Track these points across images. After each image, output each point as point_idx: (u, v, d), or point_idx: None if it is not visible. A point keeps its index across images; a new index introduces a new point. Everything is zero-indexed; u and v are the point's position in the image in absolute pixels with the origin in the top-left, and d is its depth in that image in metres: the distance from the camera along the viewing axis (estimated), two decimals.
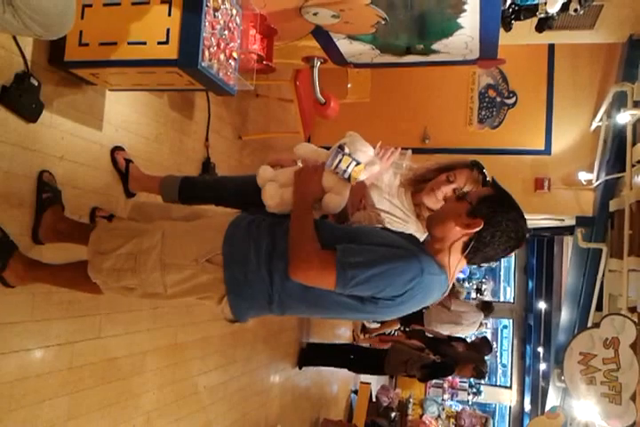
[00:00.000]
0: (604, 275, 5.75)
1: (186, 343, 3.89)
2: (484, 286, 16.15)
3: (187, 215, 2.27)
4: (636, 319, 4.83)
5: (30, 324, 2.53)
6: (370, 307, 1.87)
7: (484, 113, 5.90)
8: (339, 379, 7.83)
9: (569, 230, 7.08)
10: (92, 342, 2.93)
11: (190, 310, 3.89)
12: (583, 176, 5.61)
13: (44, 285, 2.47)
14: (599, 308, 5.87)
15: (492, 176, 2.00)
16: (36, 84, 2.47)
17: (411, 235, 2.06)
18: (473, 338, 8.22)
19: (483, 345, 7.49)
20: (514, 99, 5.88)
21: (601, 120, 5.47)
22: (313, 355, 6.40)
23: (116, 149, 3.05)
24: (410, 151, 2.53)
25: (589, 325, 5.81)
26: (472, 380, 12.28)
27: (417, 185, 2.50)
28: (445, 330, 7.35)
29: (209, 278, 1.97)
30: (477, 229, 1.83)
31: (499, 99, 5.89)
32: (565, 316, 6.94)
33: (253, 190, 2.55)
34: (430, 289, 1.85)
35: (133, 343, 3.28)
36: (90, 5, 2.45)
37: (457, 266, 1.92)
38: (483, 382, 13.42)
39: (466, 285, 15.42)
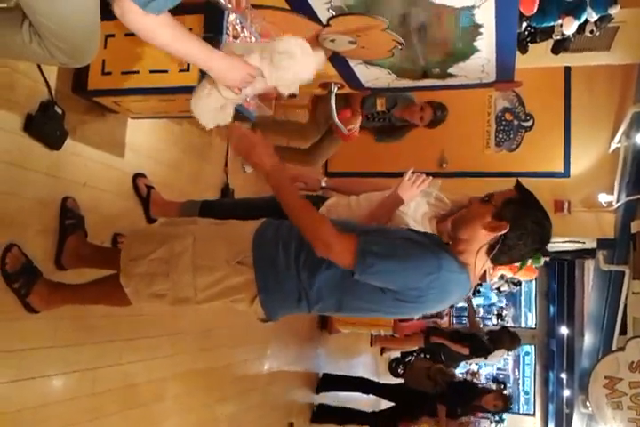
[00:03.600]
0: (627, 298, 5.67)
1: (205, 370, 3.87)
2: (504, 313, 15.98)
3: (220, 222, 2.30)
4: None
5: (52, 350, 2.54)
6: (390, 298, 1.89)
7: (501, 136, 5.90)
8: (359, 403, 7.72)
9: (590, 253, 7.01)
10: (113, 369, 2.92)
11: (209, 335, 3.88)
12: (603, 198, 5.56)
13: (67, 310, 2.48)
14: (623, 332, 5.78)
15: (517, 178, 2.01)
16: (60, 112, 2.52)
17: (434, 235, 2.09)
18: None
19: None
20: (531, 121, 5.87)
21: (620, 141, 5.45)
22: (329, 385, 6.31)
23: (137, 176, 3.09)
24: (440, 181, 2.56)
25: (614, 349, 5.71)
26: None
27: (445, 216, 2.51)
28: None
29: (240, 280, 2.01)
30: (503, 231, 1.87)
31: (516, 122, 5.89)
32: (589, 341, 6.84)
33: (274, 210, 2.57)
34: (449, 287, 1.89)
35: (153, 369, 3.27)
36: (112, 35, 2.50)
37: (481, 267, 1.97)
38: None
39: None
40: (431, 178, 2.46)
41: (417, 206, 2.49)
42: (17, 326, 2.36)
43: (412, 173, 2.40)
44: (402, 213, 2.39)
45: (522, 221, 1.88)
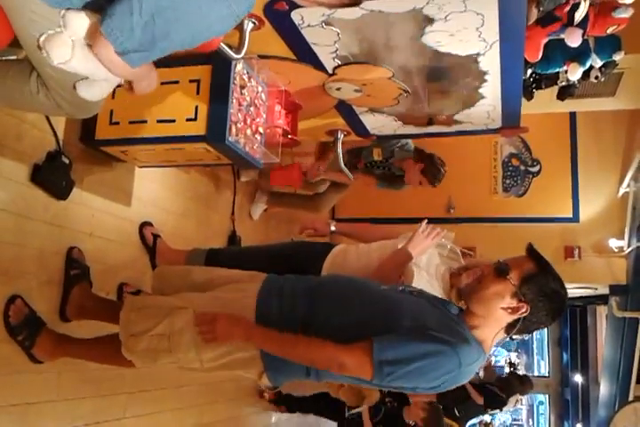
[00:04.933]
0: None
1: (213, 424, 3.77)
2: (516, 361, 15.67)
3: (211, 279, 2.25)
4: None
5: (56, 403, 2.48)
6: (409, 390, 1.92)
7: (508, 182, 5.89)
8: None
9: (602, 300, 6.90)
10: (118, 423, 2.86)
11: (215, 387, 3.79)
12: (614, 243, 5.49)
13: (70, 363, 2.43)
14: None
15: (530, 242, 1.96)
16: (67, 162, 2.53)
17: (445, 305, 1.99)
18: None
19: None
20: (538, 167, 5.87)
21: (628, 186, 5.42)
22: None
23: (144, 225, 3.09)
24: (453, 234, 2.53)
25: (631, 398, 5.54)
26: None
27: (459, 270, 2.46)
28: None
29: (245, 356, 1.96)
30: (524, 315, 1.85)
31: (522, 167, 5.89)
32: (604, 390, 6.66)
33: (280, 259, 2.54)
34: (469, 375, 1.87)
35: (159, 423, 3.19)
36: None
37: (496, 339, 1.93)
38: None
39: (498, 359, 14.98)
40: (445, 231, 2.43)
41: (430, 258, 2.43)
42: (20, 379, 2.31)
43: (427, 224, 2.35)
44: (414, 266, 2.34)
45: (542, 302, 1.85)
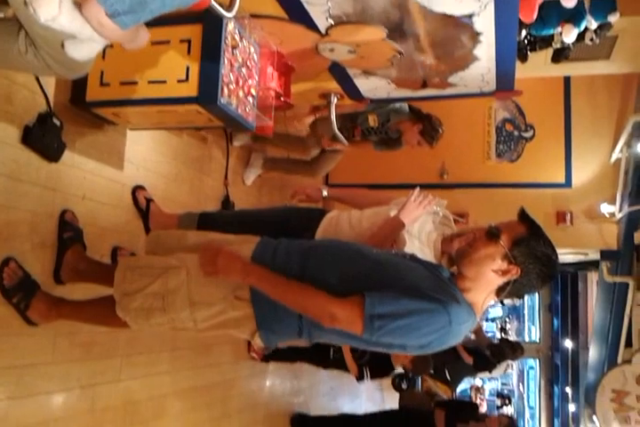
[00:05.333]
0: (631, 309, 5.61)
1: (207, 386, 3.82)
2: (507, 326, 15.87)
3: (205, 242, 2.24)
4: None
5: (52, 366, 2.50)
6: (397, 347, 1.91)
7: (501, 147, 5.88)
8: None
9: (594, 265, 6.96)
10: (113, 385, 2.88)
11: (210, 350, 3.83)
12: (606, 209, 5.52)
13: (65, 326, 2.45)
14: (629, 344, 5.71)
15: (522, 206, 1.98)
16: (59, 124, 2.50)
17: (437, 269, 2.00)
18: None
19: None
20: (531, 132, 5.86)
21: (621, 151, 5.42)
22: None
23: (137, 188, 3.07)
24: (445, 201, 2.54)
25: (619, 361, 5.63)
26: None
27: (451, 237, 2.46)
28: None
29: (238, 315, 1.97)
30: (514, 277, 1.87)
31: (516, 132, 5.87)
32: (594, 354, 6.76)
33: (274, 224, 2.53)
34: (457, 335, 1.88)
35: (154, 386, 3.22)
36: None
37: (486, 302, 1.95)
38: None
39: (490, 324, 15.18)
40: (437, 198, 2.43)
41: (422, 225, 2.43)
42: (16, 342, 2.33)
43: (419, 191, 2.36)
44: (406, 233, 2.34)
45: (532, 264, 1.87)
